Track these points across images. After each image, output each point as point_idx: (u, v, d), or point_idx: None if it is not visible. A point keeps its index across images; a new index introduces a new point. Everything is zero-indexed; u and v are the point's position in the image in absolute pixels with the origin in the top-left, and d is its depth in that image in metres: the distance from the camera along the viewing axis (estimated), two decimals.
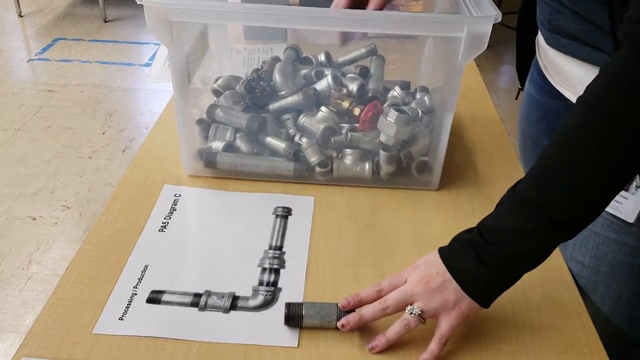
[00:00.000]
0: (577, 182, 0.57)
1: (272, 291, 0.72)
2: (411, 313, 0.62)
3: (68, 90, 2.94)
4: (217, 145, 0.91)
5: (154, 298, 0.70)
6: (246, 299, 0.70)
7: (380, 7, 0.83)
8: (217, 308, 0.69)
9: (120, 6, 3.86)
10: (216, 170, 0.90)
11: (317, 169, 0.89)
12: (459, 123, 1.07)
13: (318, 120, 0.90)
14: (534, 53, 0.96)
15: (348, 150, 0.89)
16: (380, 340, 0.63)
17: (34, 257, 1.95)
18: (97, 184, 2.30)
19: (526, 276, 0.63)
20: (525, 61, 1.00)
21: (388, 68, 0.99)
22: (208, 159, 0.90)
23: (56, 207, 2.17)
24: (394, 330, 0.63)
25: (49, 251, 1.98)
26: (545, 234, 0.60)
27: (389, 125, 0.85)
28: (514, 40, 1.04)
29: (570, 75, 0.79)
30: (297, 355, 0.64)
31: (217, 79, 1.00)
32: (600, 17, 0.69)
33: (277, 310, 0.69)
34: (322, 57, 1.01)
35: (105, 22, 3.72)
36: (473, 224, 0.65)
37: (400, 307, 0.63)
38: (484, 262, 0.61)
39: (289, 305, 0.66)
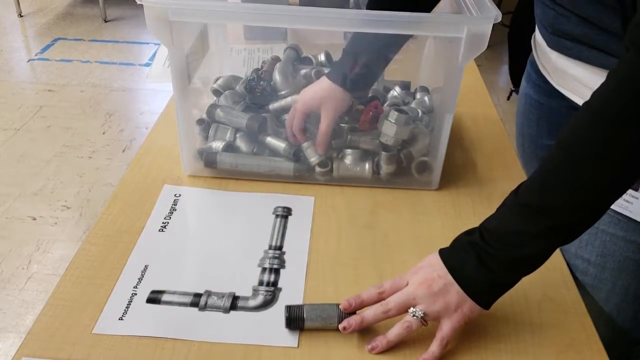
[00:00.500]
0: (581, 188, 0.57)
1: (272, 291, 0.72)
2: (413, 315, 0.62)
3: (68, 90, 2.94)
4: (217, 145, 0.91)
5: (154, 298, 0.70)
6: (246, 299, 0.70)
7: (331, 126, 0.87)
8: (217, 308, 0.69)
9: (120, 6, 3.86)
10: (216, 170, 0.90)
11: (317, 169, 0.89)
12: (459, 123, 1.07)
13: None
14: (529, 52, 0.95)
15: (348, 150, 0.89)
16: (380, 341, 0.63)
17: (34, 257, 1.95)
18: (97, 184, 2.30)
19: (526, 276, 0.63)
20: (519, 61, 1.01)
21: (388, 68, 0.99)
22: (208, 159, 0.90)
23: (56, 207, 2.17)
24: (395, 332, 0.63)
25: (49, 251, 1.98)
26: (547, 238, 0.60)
27: (389, 125, 0.85)
28: None
29: (574, 78, 0.79)
30: (297, 356, 0.64)
31: (217, 79, 1.00)
32: (607, 21, 0.69)
33: (277, 310, 0.69)
34: (322, 57, 1.01)
35: (105, 22, 3.72)
36: (473, 224, 0.65)
37: (402, 310, 0.63)
38: (485, 264, 0.61)
39: (289, 308, 0.66)
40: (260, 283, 0.73)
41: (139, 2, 0.73)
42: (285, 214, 0.84)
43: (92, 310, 0.68)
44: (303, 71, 0.96)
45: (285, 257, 0.77)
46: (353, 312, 0.65)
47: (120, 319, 0.67)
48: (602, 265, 0.81)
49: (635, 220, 0.76)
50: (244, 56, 1.16)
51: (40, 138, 2.56)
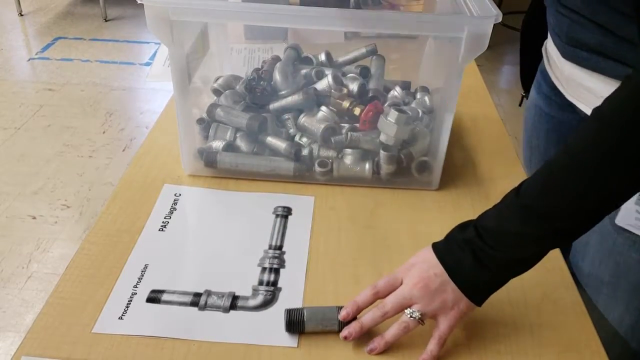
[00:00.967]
0: (585, 194, 0.57)
1: (272, 291, 0.72)
2: (411, 316, 0.62)
3: (68, 89, 2.94)
4: (217, 144, 0.91)
5: (154, 297, 0.70)
6: (246, 298, 0.70)
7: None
8: (217, 308, 0.69)
9: (121, 5, 3.86)
10: (216, 169, 0.90)
11: (317, 169, 0.89)
12: (459, 123, 1.07)
13: (318, 120, 0.90)
14: (539, 59, 0.94)
15: (348, 150, 0.89)
16: (379, 342, 0.63)
17: (34, 256, 1.95)
18: (97, 183, 2.29)
19: (526, 276, 0.63)
20: (530, 67, 0.98)
21: (388, 68, 0.99)
22: (208, 159, 0.90)
23: (56, 206, 2.17)
24: (392, 332, 0.63)
25: (49, 250, 1.98)
26: (545, 241, 0.60)
27: (389, 125, 0.85)
28: (514, 40, 1.03)
29: (589, 90, 0.77)
30: (297, 356, 0.64)
31: (217, 79, 1.00)
32: (626, 28, 0.67)
33: (277, 310, 0.69)
34: (322, 57, 1.01)
35: (106, 21, 3.71)
36: None
37: (399, 311, 0.63)
38: (482, 263, 0.61)
39: (289, 312, 0.66)
40: (260, 283, 0.73)
41: (139, 2, 0.73)
42: (285, 213, 0.84)
43: (92, 310, 0.68)
44: (303, 71, 0.96)
45: (285, 257, 0.77)
46: (353, 319, 0.65)
47: (120, 318, 0.67)
48: (615, 285, 0.80)
49: None
50: (245, 56, 1.16)
51: (41, 137, 2.56)
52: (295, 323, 0.65)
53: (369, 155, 0.89)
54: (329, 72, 0.93)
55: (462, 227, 0.64)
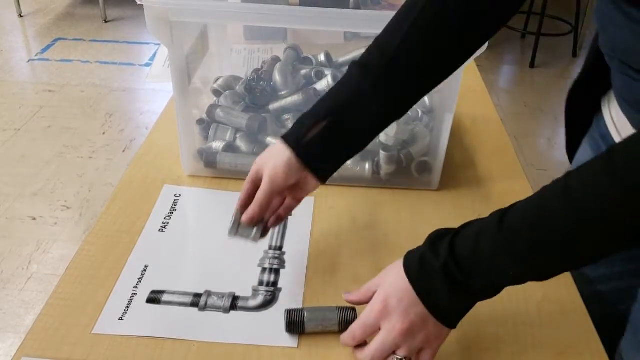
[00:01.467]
0: (572, 247, 0.52)
1: (272, 291, 0.72)
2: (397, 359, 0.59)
3: (68, 91, 2.94)
4: (217, 145, 0.91)
5: (154, 298, 0.70)
6: (246, 299, 0.70)
7: (264, 200, 0.68)
8: (217, 308, 0.69)
9: (121, 6, 3.86)
10: (216, 170, 0.90)
11: None
12: (459, 123, 1.07)
13: None
14: (588, 127, 0.83)
15: None
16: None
17: (34, 257, 1.95)
18: (97, 184, 2.30)
19: None
20: (579, 134, 0.85)
21: None
22: (208, 159, 0.90)
23: (56, 207, 2.17)
24: None
25: (49, 251, 1.98)
26: (527, 278, 0.56)
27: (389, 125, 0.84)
28: (514, 40, 1.00)
29: None
30: (297, 356, 0.64)
31: (217, 79, 1.00)
32: None
33: (277, 311, 0.69)
34: (322, 57, 1.01)
35: (106, 22, 3.72)
36: None
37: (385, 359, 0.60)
38: (459, 294, 0.57)
39: (289, 312, 0.66)
40: (260, 283, 0.73)
41: (139, 3, 0.73)
42: None
43: (92, 310, 0.68)
44: (303, 71, 0.96)
45: (285, 257, 0.77)
46: (352, 308, 0.65)
47: (120, 319, 0.67)
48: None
49: None
50: (244, 56, 1.16)
51: (41, 138, 2.56)
52: (295, 323, 0.65)
53: (369, 156, 0.89)
54: (328, 73, 0.93)
55: (435, 250, 0.58)
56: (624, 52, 0.63)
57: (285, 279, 0.73)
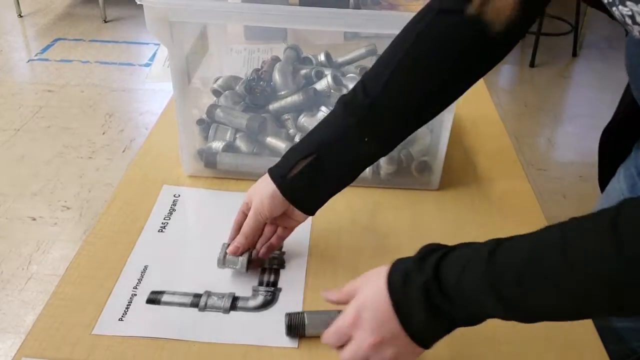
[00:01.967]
0: (564, 303, 0.49)
1: (272, 291, 0.71)
2: None
3: (68, 91, 2.94)
4: (217, 145, 0.90)
5: (154, 299, 0.70)
6: (246, 299, 0.70)
7: (251, 232, 0.72)
8: (217, 308, 0.69)
9: (120, 6, 3.86)
10: (216, 170, 0.90)
11: None
12: (459, 123, 1.07)
13: (318, 120, 0.89)
14: (622, 158, 0.82)
15: None
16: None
17: (34, 258, 1.95)
18: (97, 184, 2.29)
19: None
20: (610, 169, 0.84)
21: None
22: (208, 159, 0.90)
23: (56, 208, 2.17)
24: None
25: (48, 251, 1.98)
26: (509, 319, 0.53)
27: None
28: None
29: None
30: (297, 356, 0.64)
31: (217, 79, 1.00)
32: None
33: (277, 311, 0.69)
34: (322, 57, 1.01)
35: (105, 22, 3.71)
36: (473, 224, 0.64)
37: None
38: (437, 315, 0.54)
39: (290, 316, 0.66)
40: (260, 283, 0.73)
41: (138, 3, 0.73)
42: None
43: (92, 311, 0.68)
44: (303, 71, 0.96)
45: (285, 257, 0.77)
46: None
47: (120, 319, 0.67)
48: None
49: None
50: (244, 56, 1.16)
51: (40, 138, 2.56)
52: (296, 327, 0.65)
53: None
54: (328, 73, 0.93)
55: (423, 260, 0.56)
56: None
57: (285, 279, 0.73)
